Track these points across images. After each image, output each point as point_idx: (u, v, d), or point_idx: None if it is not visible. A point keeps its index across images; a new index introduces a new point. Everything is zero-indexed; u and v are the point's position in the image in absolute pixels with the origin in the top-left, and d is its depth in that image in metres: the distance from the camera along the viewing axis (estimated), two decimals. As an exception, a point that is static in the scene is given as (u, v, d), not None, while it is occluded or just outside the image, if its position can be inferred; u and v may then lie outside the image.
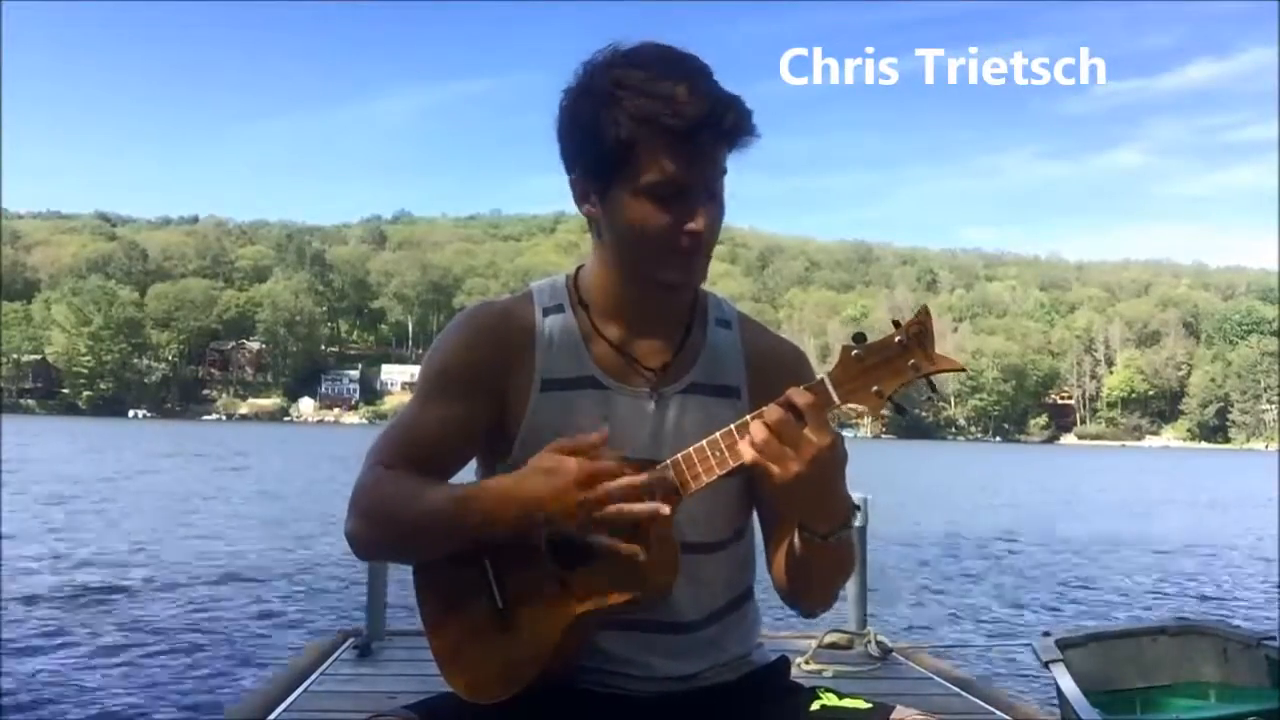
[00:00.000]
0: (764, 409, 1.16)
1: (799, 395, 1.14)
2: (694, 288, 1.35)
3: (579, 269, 1.41)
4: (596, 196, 1.29)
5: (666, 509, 1.16)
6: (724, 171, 1.28)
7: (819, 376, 1.17)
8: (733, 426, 1.19)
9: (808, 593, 1.35)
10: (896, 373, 1.14)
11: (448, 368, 1.34)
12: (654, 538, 1.18)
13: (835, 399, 1.15)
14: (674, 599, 1.29)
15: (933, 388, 1.18)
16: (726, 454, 1.19)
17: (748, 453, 1.15)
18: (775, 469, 1.13)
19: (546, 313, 1.36)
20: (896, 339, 1.14)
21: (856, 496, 1.64)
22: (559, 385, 1.33)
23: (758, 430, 1.14)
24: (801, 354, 1.48)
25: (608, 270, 1.35)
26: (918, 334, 1.13)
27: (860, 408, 1.16)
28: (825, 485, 1.18)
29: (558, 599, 1.20)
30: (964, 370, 1.17)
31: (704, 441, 1.20)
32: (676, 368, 1.36)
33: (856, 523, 1.29)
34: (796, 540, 1.27)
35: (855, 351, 1.15)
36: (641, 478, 1.17)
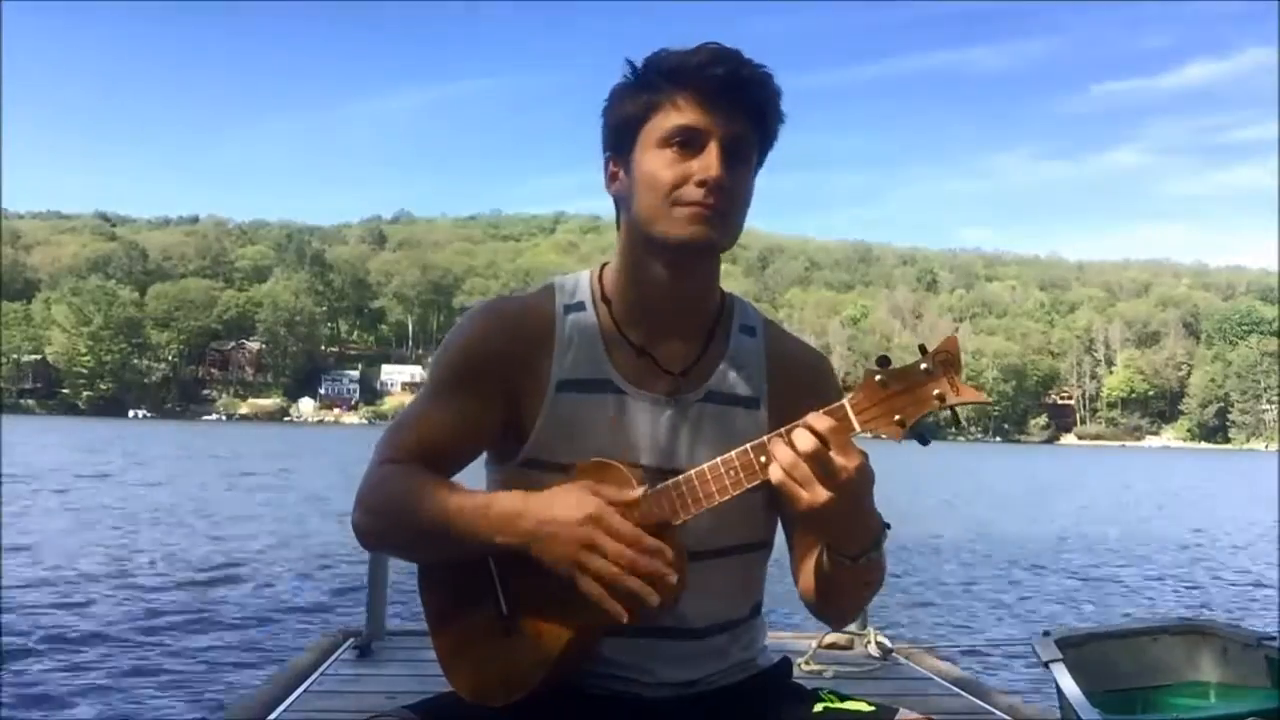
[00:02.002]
0: (787, 431, 1.13)
1: (819, 421, 1.11)
2: (706, 247, 1.28)
3: (604, 266, 1.39)
4: (623, 168, 1.30)
5: (655, 600, 1.13)
6: (748, 140, 1.27)
7: (840, 400, 1.13)
8: (749, 446, 1.16)
9: (837, 608, 1.35)
10: (920, 401, 1.10)
11: (462, 362, 1.32)
12: (665, 549, 1.16)
13: (856, 426, 1.11)
14: (681, 606, 1.25)
15: (957, 420, 1.15)
16: (742, 474, 1.16)
17: (776, 474, 1.11)
18: (803, 494, 1.10)
19: (568, 310, 1.33)
20: (922, 366, 1.10)
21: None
22: (575, 387, 1.30)
23: (783, 454, 1.11)
24: (824, 362, 1.45)
25: (632, 264, 1.32)
26: (944, 362, 1.10)
27: (881, 435, 1.13)
28: (853, 508, 1.15)
29: (562, 607, 1.18)
30: (988, 403, 1.11)
31: (719, 459, 1.17)
32: (697, 375, 1.33)
33: (887, 542, 1.23)
34: (826, 558, 1.25)
35: (879, 377, 1.11)
36: (643, 561, 1.13)
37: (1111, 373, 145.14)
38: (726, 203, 1.25)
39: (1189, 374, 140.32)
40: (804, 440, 1.10)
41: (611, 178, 1.32)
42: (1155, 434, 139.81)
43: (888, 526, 1.22)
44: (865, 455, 1.13)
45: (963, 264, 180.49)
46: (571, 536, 1.13)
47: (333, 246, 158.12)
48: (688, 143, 1.23)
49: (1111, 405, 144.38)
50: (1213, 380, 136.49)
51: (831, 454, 1.10)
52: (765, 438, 1.14)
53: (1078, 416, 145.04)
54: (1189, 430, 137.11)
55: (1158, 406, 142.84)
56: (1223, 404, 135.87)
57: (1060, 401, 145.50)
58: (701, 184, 1.22)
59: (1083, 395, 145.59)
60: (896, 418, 1.11)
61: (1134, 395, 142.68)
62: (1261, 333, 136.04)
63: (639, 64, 1.28)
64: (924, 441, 1.15)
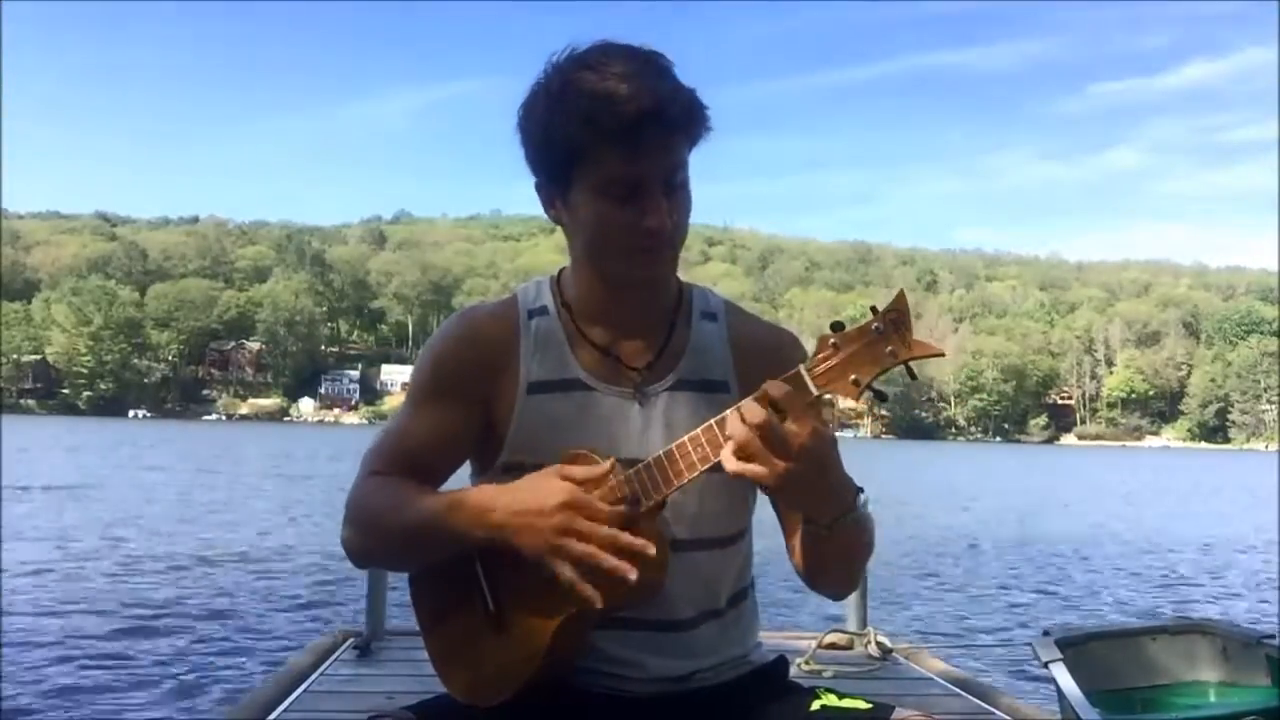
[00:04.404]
0: (740, 405, 1.14)
1: (774, 388, 1.12)
2: (664, 282, 1.35)
3: (561, 270, 1.42)
4: (559, 200, 1.30)
5: (633, 576, 1.13)
6: (683, 163, 1.27)
7: (795, 368, 1.16)
8: (713, 421, 1.17)
9: (826, 578, 1.35)
10: (874, 360, 1.12)
11: (435, 374, 1.35)
12: (644, 536, 1.16)
13: (812, 389, 1.13)
14: (669, 597, 1.28)
15: (912, 375, 1.16)
16: (708, 449, 1.17)
17: (730, 461, 1.13)
18: (761, 470, 1.11)
19: (531, 315, 1.36)
20: (873, 326, 1.12)
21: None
22: (545, 388, 1.33)
23: (738, 431, 1.12)
24: (791, 339, 1.46)
25: (583, 272, 1.35)
26: (894, 320, 1.12)
27: (839, 397, 1.15)
28: (817, 475, 1.15)
29: (547, 601, 1.19)
30: (942, 355, 1.07)
31: (686, 437, 1.19)
32: (661, 366, 1.35)
33: (862, 504, 1.24)
34: (804, 530, 1.27)
35: (832, 340, 1.14)
36: (622, 537, 1.14)
37: (1111, 373, 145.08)
38: (676, 234, 1.27)
39: (1189, 374, 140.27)
40: (753, 412, 1.11)
41: (548, 202, 1.32)
42: (1155, 434, 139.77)
43: (860, 490, 1.22)
44: (823, 421, 1.14)
45: (963, 264, 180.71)
46: (546, 524, 1.15)
47: (333, 246, 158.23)
48: (628, 192, 1.23)
49: (1111, 405, 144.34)
50: (1213, 380, 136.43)
51: (787, 424, 1.11)
52: (728, 411, 1.16)
53: (1078, 416, 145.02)
54: (1189, 430, 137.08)
55: (1158, 406, 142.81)
56: (1223, 404, 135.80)
57: (1060, 401, 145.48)
58: (649, 232, 1.24)
59: (1083, 395, 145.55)
60: (852, 378, 1.13)
61: (1134, 395, 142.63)
62: (1261, 333, 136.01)
63: (549, 87, 1.25)
64: (882, 399, 1.17)
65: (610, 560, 1.12)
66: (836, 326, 1.14)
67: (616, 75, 1.21)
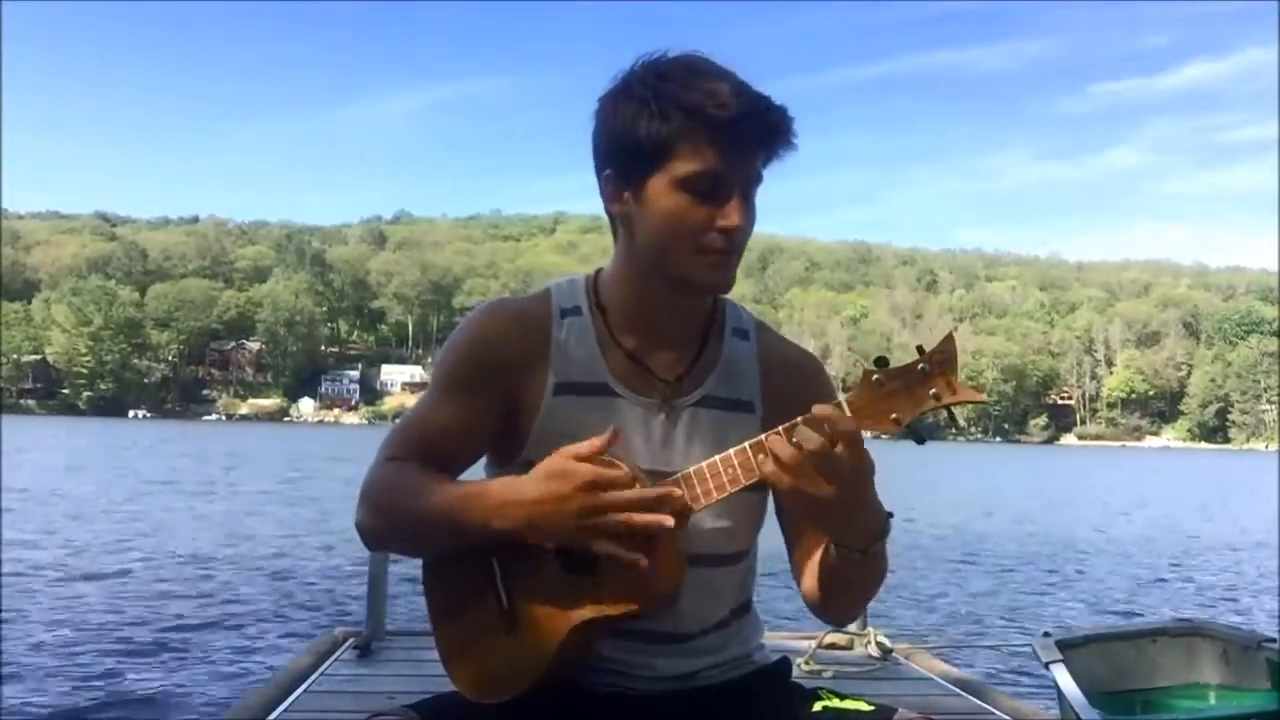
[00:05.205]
0: (785, 428, 1.14)
1: (819, 417, 1.12)
2: (724, 291, 1.32)
3: (599, 271, 1.39)
4: (630, 193, 1.27)
5: (670, 521, 1.14)
6: (760, 178, 1.27)
7: (837, 399, 1.15)
8: (747, 445, 1.17)
9: (841, 604, 1.35)
10: (917, 401, 1.12)
11: (462, 363, 1.33)
12: (660, 548, 1.16)
13: (852, 425, 1.13)
14: (678, 610, 1.28)
15: (953, 419, 1.15)
16: (740, 471, 1.17)
17: (779, 475, 1.13)
18: (807, 489, 1.12)
19: (564, 314, 1.35)
20: (919, 366, 1.12)
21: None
22: (572, 390, 1.32)
23: (784, 450, 1.12)
24: (818, 365, 1.46)
25: (631, 274, 1.33)
26: (941, 362, 1.11)
27: (877, 433, 1.14)
28: (857, 501, 1.16)
29: (562, 603, 1.20)
30: (985, 403, 1.11)
31: (718, 457, 1.19)
32: (691, 379, 1.34)
33: (890, 533, 1.24)
34: (832, 554, 1.25)
35: (876, 376, 1.13)
36: (648, 492, 1.16)
37: (1111, 373, 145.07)
38: (744, 243, 1.28)
39: (1189, 374, 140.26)
40: (805, 435, 1.11)
41: (614, 197, 1.30)
42: (1155, 434, 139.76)
43: (890, 515, 1.23)
44: (865, 449, 1.14)
45: (963, 264, 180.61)
46: (569, 509, 1.15)
47: (333, 246, 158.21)
48: (711, 188, 1.23)
49: (1111, 405, 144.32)
50: (1213, 380, 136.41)
51: (836, 449, 1.11)
52: (763, 436, 1.16)
53: (1078, 417, 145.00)
54: (1189, 430, 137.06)
55: (1158, 407, 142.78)
56: (1223, 404, 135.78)
57: (1060, 401, 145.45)
58: (724, 231, 1.24)
59: (1083, 395, 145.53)
60: (893, 416, 1.12)
61: (1134, 395, 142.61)
62: (1261, 333, 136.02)
63: (642, 79, 1.25)
64: (920, 440, 1.16)
65: (644, 517, 1.13)
66: (881, 362, 1.14)
67: (718, 76, 1.23)
